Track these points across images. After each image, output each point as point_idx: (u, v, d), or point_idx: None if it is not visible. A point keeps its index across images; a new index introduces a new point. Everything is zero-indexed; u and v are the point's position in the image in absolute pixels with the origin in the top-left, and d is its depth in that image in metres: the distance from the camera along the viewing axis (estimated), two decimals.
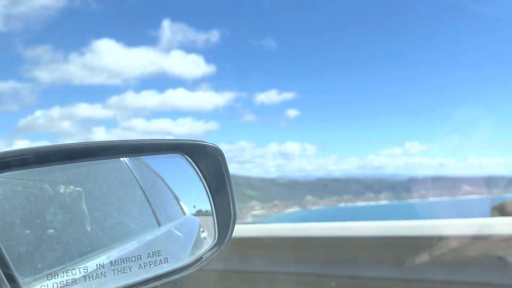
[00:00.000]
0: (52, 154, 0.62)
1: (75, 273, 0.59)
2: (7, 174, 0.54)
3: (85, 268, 0.61)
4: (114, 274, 0.65)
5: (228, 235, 0.88)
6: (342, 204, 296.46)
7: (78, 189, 0.68)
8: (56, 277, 0.57)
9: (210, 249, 0.75)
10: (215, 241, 0.75)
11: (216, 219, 0.87)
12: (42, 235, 0.60)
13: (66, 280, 0.58)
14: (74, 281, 0.59)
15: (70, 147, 0.61)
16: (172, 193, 0.88)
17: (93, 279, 0.61)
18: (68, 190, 0.66)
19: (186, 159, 0.79)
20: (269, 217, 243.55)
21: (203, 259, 0.74)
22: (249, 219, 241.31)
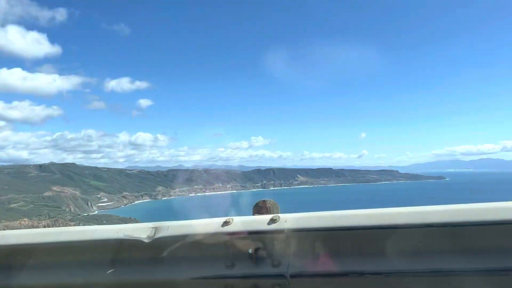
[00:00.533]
0: None
1: None
2: None
3: None
4: None
5: None
6: (192, 194, 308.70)
7: None
8: None
9: None
10: None
11: None
12: None
13: None
14: None
15: None
16: None
17: None
18: None
19: None
20: (119, 208, 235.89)
21: None
22: (95, 212, 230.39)
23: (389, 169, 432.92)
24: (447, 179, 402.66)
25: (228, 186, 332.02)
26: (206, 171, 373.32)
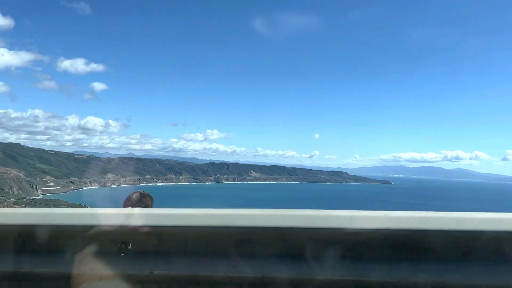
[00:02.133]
0: None
1: None
2: None
3: None
4: None
5: None
6: (143, 183, 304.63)
7: None
8: None
9: None
10: None
11: None
12: None
13: None
14: None
15: None
16: None
17: None
18: None
19: None
20: (66, 194, 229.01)
21: None
22: (41, 195, 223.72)
23: (338, 170, 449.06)
24: (392, 183, 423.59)
25: (181, 177, 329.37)
26: (159, 161, 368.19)
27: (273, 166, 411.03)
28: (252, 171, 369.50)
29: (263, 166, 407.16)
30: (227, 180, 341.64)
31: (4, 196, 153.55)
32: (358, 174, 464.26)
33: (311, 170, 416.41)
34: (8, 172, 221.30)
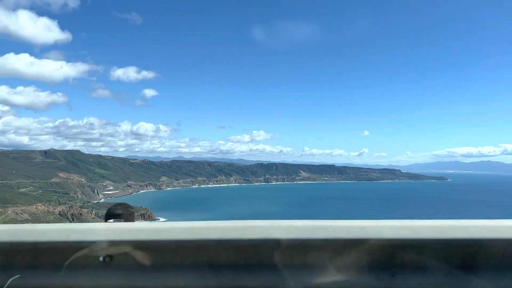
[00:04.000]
0: None
1: None
2: None
3: None
4: None
5: None
6: (196, 185, 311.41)
7: None
8: None
9: None
10: None
11: None
12: None
13: None
14: None
15: None
16: None
17: None
18: None
19: None
20: (124, 197, 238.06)
21: None
22: (102, 199, 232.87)
23: (390, 168, 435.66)
24: (449, 180, 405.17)
25: (231, 179, 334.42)
26: (209, 163, 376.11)
27: (322, 165, 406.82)
28: (301, 171, 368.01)
29: (312, 165, 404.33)
30: (276, 181, 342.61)
31: (71, 201, 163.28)
32: (412, 171, 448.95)
33: (362, 168, 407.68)
34: (72, 177, 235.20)
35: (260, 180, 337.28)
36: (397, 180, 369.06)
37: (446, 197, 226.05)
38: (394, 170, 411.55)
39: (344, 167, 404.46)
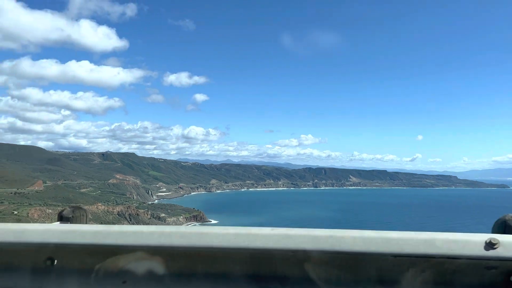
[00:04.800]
0: None
1: None
2: None
3: None
4: None
5: None
6: (244, 189, 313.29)
7: None
8: None
9: None
10: None
11: None
12: None
13: None
14: None
15: None
16: None
17: None
18: None
19: None
20: (176, 199, 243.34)
21: None
22: (156, 201, 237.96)
23: (445, 174, 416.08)
24: (511, 188, 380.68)
25: (279, 183, 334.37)
26: (257, 167, 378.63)
27: (373, 170, 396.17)
28: (351, 176, 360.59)
29: (362, 170, 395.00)
30: (325, 186, 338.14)
31: (128, 202, 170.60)
32: (469, 178, 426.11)
33: (415, 174, 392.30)
34: (127, 179, 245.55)
35: (308, 185, 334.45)
36: (453, 187, 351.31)
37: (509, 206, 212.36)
38: (450, 176, 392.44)
39: (396, 172, 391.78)
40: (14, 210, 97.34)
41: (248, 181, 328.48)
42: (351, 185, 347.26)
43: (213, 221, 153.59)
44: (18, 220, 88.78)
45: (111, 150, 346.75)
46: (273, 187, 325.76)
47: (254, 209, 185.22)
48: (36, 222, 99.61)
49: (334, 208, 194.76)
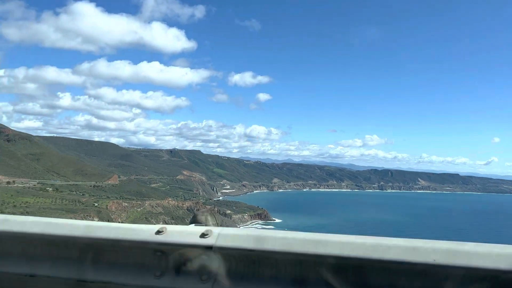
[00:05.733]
0: None
1: None
2: None
3: None
4: None
5: None
6: (306, 189, 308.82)
7: None
8: None
9: None
10: None
11: None
12: None
13: None
14: None
15: None
16: None
17: None
18: None
19: None
20: (240, 196, 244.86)
21: None
22: (220, 197, 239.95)
23: None
24: None
25: (343, 184, 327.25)
26: (320, 167, 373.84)
27: (444, 173, 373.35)
28: (419, 179, 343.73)
29: (432, 173, 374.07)
30: (392, 188, 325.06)
31: (195, 197, 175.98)
32: None
33: (491, 179, 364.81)
34: (194, 175, 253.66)
35: (373, 187, 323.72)
36: None
37: None
38: None
39: (470, 176, 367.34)
40: (94, 202, 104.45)
41: (310, 181, 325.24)
42: (419, 189, 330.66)
43: (277, 220, 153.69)
44: (99, 212, 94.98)
45: (177, 147, 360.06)
46: (336, 188, 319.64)
47: (318, 210, 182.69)
48: (113, 214, 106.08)
49: (403, 212, 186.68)
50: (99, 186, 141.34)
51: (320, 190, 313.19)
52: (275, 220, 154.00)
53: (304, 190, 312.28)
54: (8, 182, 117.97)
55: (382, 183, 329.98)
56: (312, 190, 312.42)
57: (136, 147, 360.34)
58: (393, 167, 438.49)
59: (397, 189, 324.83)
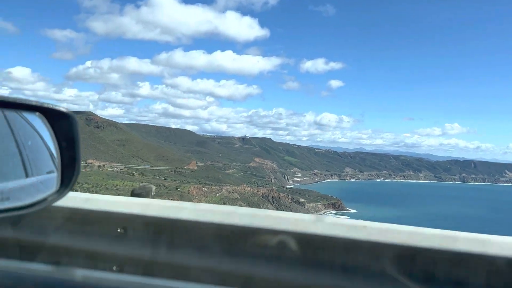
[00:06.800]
0: None
1: None
2: None
3: None
4: None
5: (70, 186, 1.11)
6: (381, 179, 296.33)
7: None
8: None
9: (51, 195, 0.90)
10: (58, 188, 0.90)
11: (61, 171, 1.06)
12: None
13: None
14: None
15: None
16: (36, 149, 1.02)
17: None
18: None
19: (43, 120, 0.90)
20: (311, 185, 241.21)
21: (44, 202, 0.88)
22: (292, 185, 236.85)
23: None
24: None
25: (420, 175, 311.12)
26: (394, 156, 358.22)
27: None
28: (507, 171, 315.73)
29: None
30: (475, 180, 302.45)
31: (268, 185, 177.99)
32: None
33: None
34: (265, 163, 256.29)
35: (454, 179, 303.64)
36: None
37: None
38: None
39: None
40: (177, 186, 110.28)
41: (384, 171, 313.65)
42: (507, 181, 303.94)
43: (352, 210, 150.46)
44: (181, 196, 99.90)
45: (248, 135, 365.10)
46: (413, 179, 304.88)
47: (394, 201, 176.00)
48: (194, 198, 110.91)
49: (489, 206, 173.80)
50: (179, 171, 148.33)
51: (396, 180, 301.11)
52: (349, 210, 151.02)
53: (378, 180, 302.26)
54: (99, 166, 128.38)
55: (464, 174, 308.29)
56: (387, 180, 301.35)
57: (209, 134, 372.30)
58: (475, 158, 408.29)
59: (480, 181, 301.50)
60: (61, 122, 0.92)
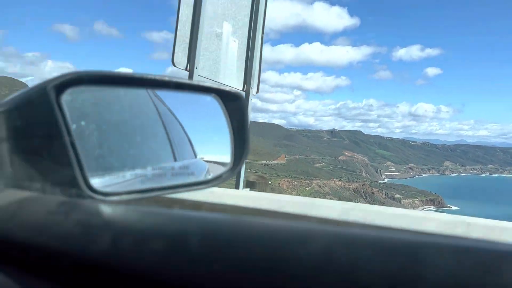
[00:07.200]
0: (116, 78, 0.74)
1: (127, 175, 0.77)
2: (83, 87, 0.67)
3: (133, 171, 0.79)
4: (153, 177, 0.84)
5: (241, 163, 1.08)
6: (486, 174, 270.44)
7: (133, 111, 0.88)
8: (113, 175, 0.74)
9: (225, 172, 0.94)
10: (231, 166, 0.94)
11: (234, 149, 1.00)
12: (108, 142, 0.77)
13: (121, 177, 0.76)
14: (124, 177, 0.77)
15: (130, 76, 0.74)
16: (187, 135, 1.03)
17: (139, 179, 0.79)
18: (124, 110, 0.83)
19: (218, 102, 0.94)
20: (406, 179, 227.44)
21: (219, 179, 0.93)
22: (385, 180, 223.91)
23: None
24: None
25: None
26: (503, 149, 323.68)
27: None
28: None
29: None
30: None
31: (359, 179, 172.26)
32: None
33: None
34: (356, 156, 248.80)
35: None
36: None
37: None
38: None
39: None
40: (268, 180, 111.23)
41: (490, 166, 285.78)
42: None
43: (454, 207, 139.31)
44: (273, 189, 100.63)
45: (336, 127, 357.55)
46: None
47: (503, 198, 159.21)
48: (285, 192, 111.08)
49: None
50: (269, 164, 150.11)
51: (504, 175, 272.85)
52: (451, 207, 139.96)
53: (483, 175, 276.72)
54: None
55: None
56: (493, 175, 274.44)
57: (296, 127, 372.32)
58: None
59: None
60: (233, 103, 0.95)
